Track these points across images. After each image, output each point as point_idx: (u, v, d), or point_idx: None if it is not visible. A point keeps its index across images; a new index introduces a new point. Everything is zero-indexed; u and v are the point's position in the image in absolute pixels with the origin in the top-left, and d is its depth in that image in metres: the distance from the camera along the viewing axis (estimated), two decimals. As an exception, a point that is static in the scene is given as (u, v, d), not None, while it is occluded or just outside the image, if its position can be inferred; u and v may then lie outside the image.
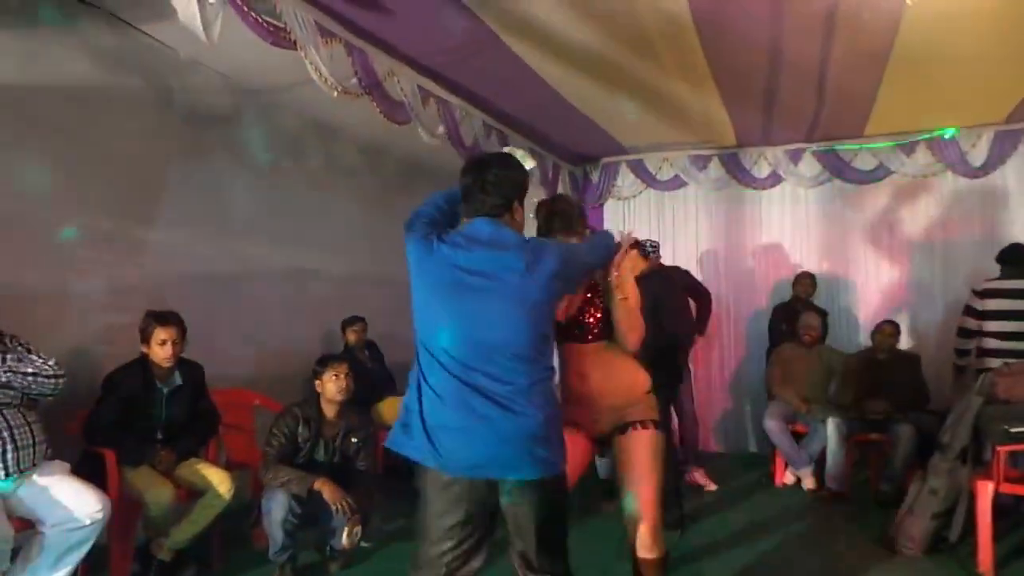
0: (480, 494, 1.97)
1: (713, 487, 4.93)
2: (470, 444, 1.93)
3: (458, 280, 1.97)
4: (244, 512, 3.52)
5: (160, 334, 3.25)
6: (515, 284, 1.93)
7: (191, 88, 4.00)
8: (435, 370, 1.99)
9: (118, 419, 3.16)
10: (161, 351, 3.26)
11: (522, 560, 2.05)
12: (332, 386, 3.41)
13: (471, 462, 1.94)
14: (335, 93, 3.26)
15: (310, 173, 5.08)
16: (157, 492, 3.07)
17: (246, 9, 2.74)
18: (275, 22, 2.89)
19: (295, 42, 2.96)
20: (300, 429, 3.37)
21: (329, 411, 3.44)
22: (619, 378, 2.47)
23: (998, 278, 4.62)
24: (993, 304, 4.57)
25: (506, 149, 2.53)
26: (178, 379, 3.38)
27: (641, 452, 2.40)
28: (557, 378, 2.17)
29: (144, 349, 3.30)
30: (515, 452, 1.92)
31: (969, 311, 4.70)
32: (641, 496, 2.38)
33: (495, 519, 2.05)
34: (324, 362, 3.47)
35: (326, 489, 3.19)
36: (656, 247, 5.02)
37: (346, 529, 3.24)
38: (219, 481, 3.23)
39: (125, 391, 3.20)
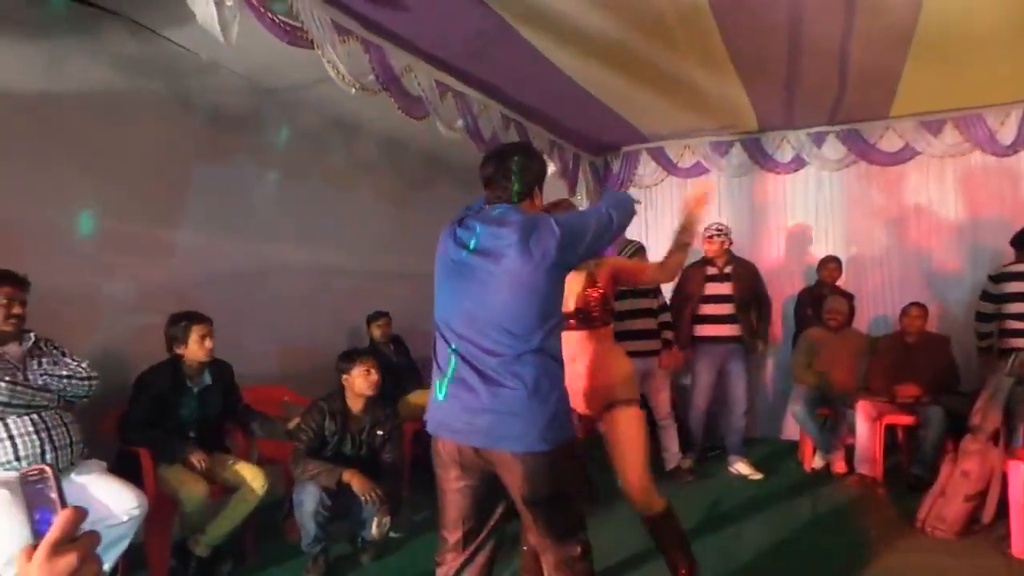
0: (468, 459, 2.07)
1: (758, 475, 4.88)
2: (456, 412, 2.04)
3: (462, 259, 2.08)
4: (276, 507, 3.58)
5: (198, 330, 3.35)
6: (511, 259, 1.98)
7: (211, 90, 4.06)
8: (440, 344, 2.12)
9: (150, 418, 3.23)
10: (201, 348, 3.36)
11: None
12: (362, 381, 3.45)
13: (455, 428, 2.05)
14: (353, 90, 3.28)
15: (331, 170, 5.12)
16: (191, 489, 3.13)
17: (263, 10, 2.78)
18: (292, 22, 2.92)
19: (312, 41, 2.99)
20: (327, 423, 3.41)
21: (355, 405, 3.48)
22: (606, 363, 2.74)
23: (1013, 262, 4.74)
24: (1011, 287, 4.68)
25: None
26: (208, 378, 3.45)
27: (625, 426, 2.67)
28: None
29: (179, 350, 3.36)
30: (492, 424, 1.98)
31: (985, 295, 4.83)
32: (628, 463, 2.66)
33: (497, 492, 2.13)
34: (351, 357, 3.50)
35: (355, 480, 3.23)
36: (722, 231, 5.02)
37: (375, 519, 3.28)
38: (252, 477, 3.29)
39: (156, 391, 3.26)
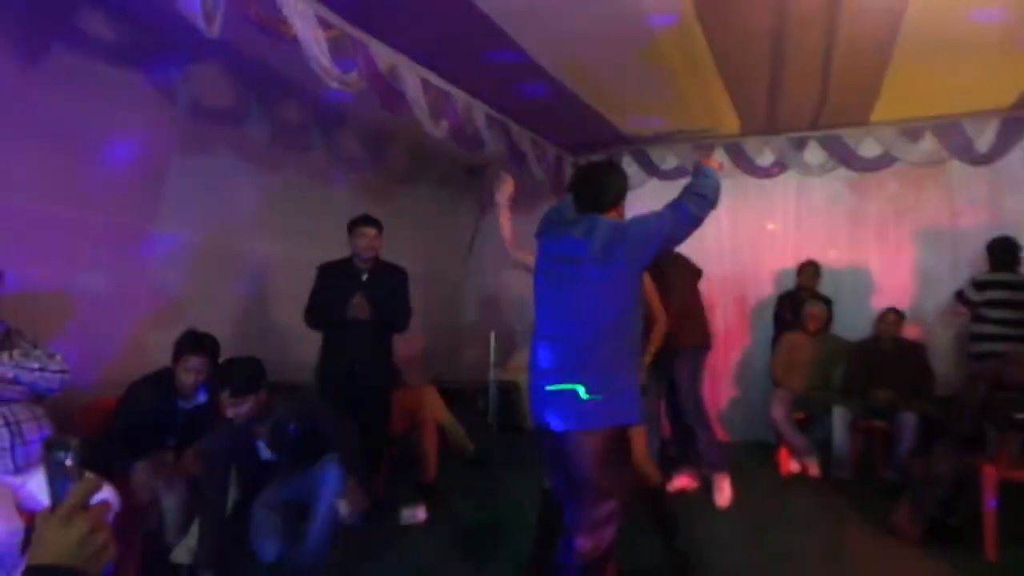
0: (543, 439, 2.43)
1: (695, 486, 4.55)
2: (535, 396, 2.41)
3: (550, 266, 2.43)
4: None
5: (190, 362, 3.26)
6: (588, 263, 2.30)
7: (193, 80, 4.01)
8: (533, 338, 2.45)
9: (129, 445, 3.13)
10: (187, 377, 3.28)
11: None
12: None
13: (534, 407, 2.42)
14: (335, 84, 3.26)
15: (314, 164, 5.08)
16: (170, 494, 3.08)
17: (247, 1, 2.74)
18: (275, 13, 2.89)
19: (295, 33, 2.96)
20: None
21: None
22: None
23: (997, 270, 4.88)
24: (994, 294, 4.80)
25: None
26: (202, 396, 3.38)
27: None
28: None
29: (175, 365, 3.30)
30: (553, 405, 2.32)
31: (961, 297, 5.00)
32: (634, 438, 2.80)
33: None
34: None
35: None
36: None
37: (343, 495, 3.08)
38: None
39: (144, 406, 3.19)
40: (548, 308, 2.44)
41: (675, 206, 2.41)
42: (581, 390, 2.27)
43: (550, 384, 2.34)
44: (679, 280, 4.27)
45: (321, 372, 4.21)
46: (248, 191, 4.50)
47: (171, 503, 3.10)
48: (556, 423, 2.32)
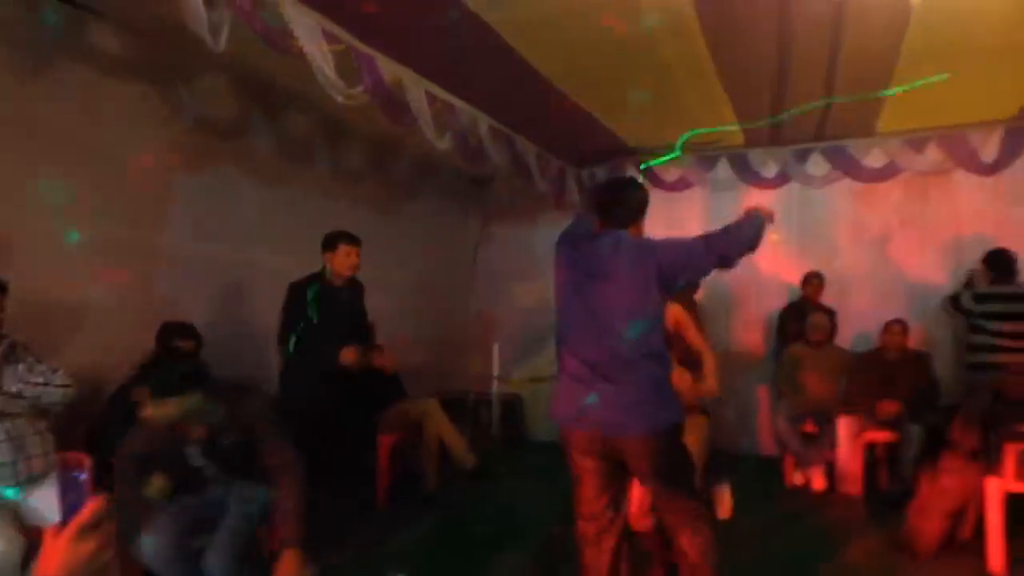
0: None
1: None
2: (566, 402, 2.58)
3: (578, 280, 2.51)
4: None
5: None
6: (620, 275, 2.41)
7: (199, 93, 4.03)
8: (567, 354, 2.56)
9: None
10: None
11: None
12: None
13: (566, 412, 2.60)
14: (340, 98, 3.27)
15: (319, 177, 5.10)
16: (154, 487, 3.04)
17: (252, 15, 2.76)
18: (281, 27, 2.91)
19: (301, 48, 2.98)
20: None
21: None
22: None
23: (997, 282, 4.88)
24: (994, 307, 4.79)
25: None
26: None
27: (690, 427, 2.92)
28: None
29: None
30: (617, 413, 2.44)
31: (957, 305, 5.00)
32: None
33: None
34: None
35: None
36: None
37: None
38: None
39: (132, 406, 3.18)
40: (576, 320, 2.52)
41: (710, 239, 2.48)
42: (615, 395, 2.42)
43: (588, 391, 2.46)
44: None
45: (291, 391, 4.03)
46: (252, 203, 4.51)
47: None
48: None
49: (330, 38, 3.18)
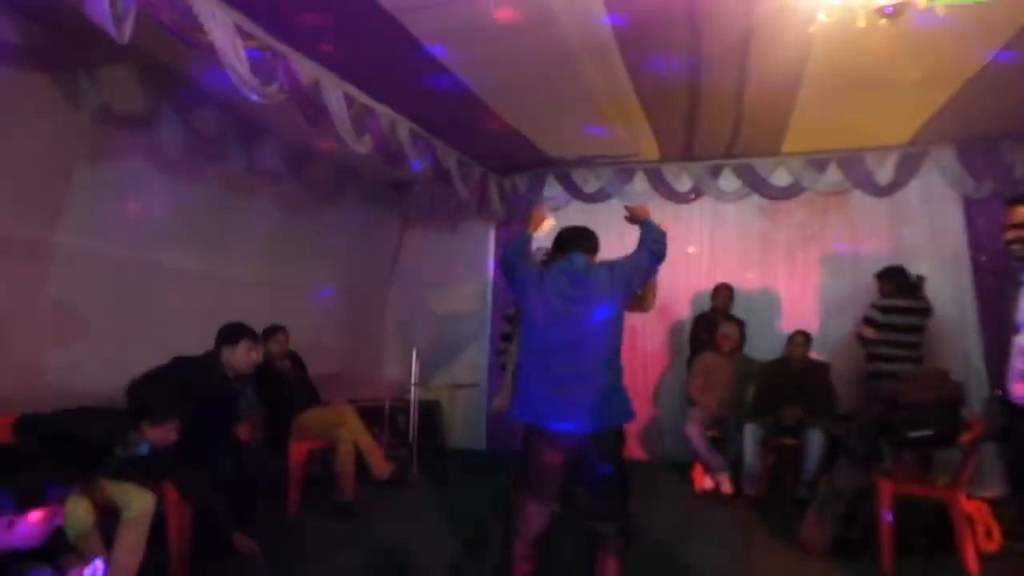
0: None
1: None
2: (540, 407, 2.81)
3: (550, 298, 2.80)
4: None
5: None
6: (599, 295, 2.75)
7: (103, 85, 3.83)
8: (537, 363, 2.82)
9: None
10: None
11: None
12: None
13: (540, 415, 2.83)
14: (254, 96, 3.19)
15: (232, 176, 4.93)
16: (73, 509, 2.88)
17: (158, 5, 2.65)
18: (190, 21, 2.81)
19: (212, 42, 2.89)
20: None
21: None
22: None
23: (888, 296, 5.11)
24: (892, 319, 5.02)
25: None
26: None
27: None
28: None
29: None
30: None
31: (870, 323, 5.10)
32: None
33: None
34: None
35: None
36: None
37: None
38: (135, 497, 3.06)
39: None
40: (544, 332, 2.80)
41: (646, 250, 2.94)
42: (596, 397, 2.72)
43: (569, 396, 2.71)
44: None
45: None
46: (160, 201, 4.33)
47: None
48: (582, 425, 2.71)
49: (243, 34, 3.10)
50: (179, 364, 3.62)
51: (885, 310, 5.04)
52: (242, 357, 3.82)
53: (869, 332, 5.02)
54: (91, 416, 3.01)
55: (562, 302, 2.79)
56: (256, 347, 3.92)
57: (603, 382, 2.73)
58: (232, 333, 3.83)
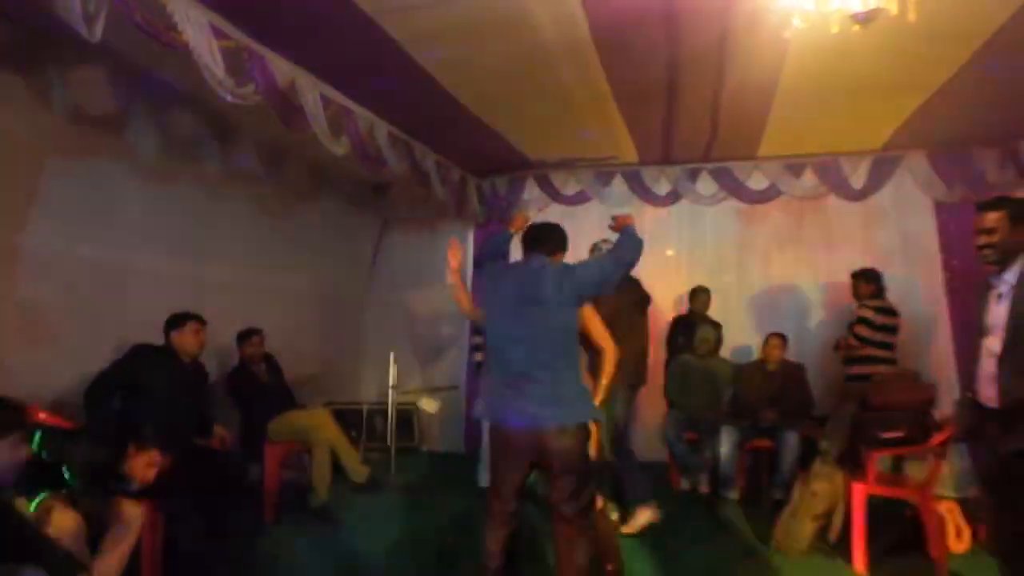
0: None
1: None
2: (499, 405, 2.91)
3: (508, 299, 2.88)
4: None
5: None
6: (549, 296, 2.80)
7: (75, 83, 3.76)
8: (498, 359, 2.90)
9: None
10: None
11: None
12: None
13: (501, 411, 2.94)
14: (229, 97, 3.15)
15: (206, 176, 4.86)
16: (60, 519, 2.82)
17: (131, 4, 2.61)
18: (164, 20, 2.77)
19: (186, 42, 2.84)
20: None
21: None
22: None
23: (873, 296, 5.11)
24: (882, 318, 5.02)
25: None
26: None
27: None
28: None
29: None
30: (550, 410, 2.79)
31: (869, 325, 5.05)
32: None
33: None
34: None
35: None
36: None
37: None
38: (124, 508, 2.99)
39: None
40: (506, 332, 2.87)
41: (613, 256, 3.03)
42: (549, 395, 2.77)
43: (522, 394, 2.78)
44: (624, 313, 4.19)
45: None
46: (133, 202, 4.26)
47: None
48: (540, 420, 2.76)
49: (218, 34, 3.06)
50: (137, 350, 3.77)
51: (878, 310, 5.05)
52: (191, 339, 3.96)
53: (865, 332, 5.04)
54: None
55: (514, 301, 2.86)
56: (203, 329, 4.03)
57: (556, 380, 2.78)
58: (177, 318, 3.98)
